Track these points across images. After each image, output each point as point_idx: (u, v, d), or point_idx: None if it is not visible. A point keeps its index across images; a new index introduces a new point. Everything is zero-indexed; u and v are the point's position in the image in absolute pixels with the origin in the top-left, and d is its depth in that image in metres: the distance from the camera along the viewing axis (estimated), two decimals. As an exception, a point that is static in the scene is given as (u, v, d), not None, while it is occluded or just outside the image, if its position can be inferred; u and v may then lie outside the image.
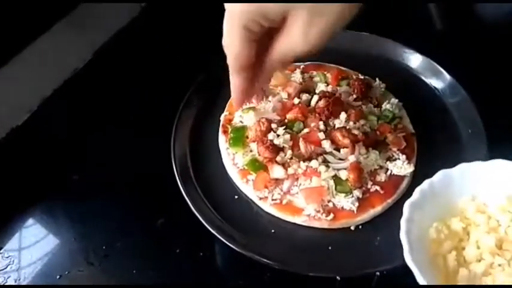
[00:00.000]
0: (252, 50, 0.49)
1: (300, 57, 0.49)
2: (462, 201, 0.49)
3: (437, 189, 0.48)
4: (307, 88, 0.74)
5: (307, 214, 0.61)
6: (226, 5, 0.48)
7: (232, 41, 0.49)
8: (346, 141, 0.64)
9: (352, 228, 0.61)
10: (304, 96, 0.72)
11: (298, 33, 0.46)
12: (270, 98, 0.72)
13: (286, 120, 0.69)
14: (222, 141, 0.69)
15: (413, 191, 0.50)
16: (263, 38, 0.49)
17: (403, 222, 0.46)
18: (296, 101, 0.71)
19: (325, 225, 0.61)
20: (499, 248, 0.45)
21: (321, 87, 0.73)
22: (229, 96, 0.74)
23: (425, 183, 0.48)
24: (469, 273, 0.44)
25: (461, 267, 0.44)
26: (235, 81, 0.54)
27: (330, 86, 0.74)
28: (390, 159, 0.66)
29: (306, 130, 0.67)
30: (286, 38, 0.47)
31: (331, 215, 0.60)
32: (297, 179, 0.63)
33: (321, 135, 0.66)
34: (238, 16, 0.47)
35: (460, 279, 0.43)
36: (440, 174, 0.48)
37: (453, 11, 0.91)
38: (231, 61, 0.52)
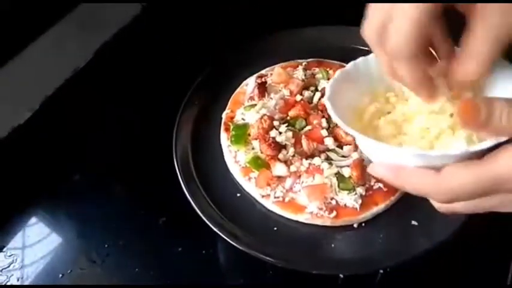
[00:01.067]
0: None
1: None
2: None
3: (368, 68, 0.49)
4: (310, 85, 0.73)
5: (310, 212, 0.60)
6: None
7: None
8: (349, 138, 0.64)
9: (355, 225, 0.61)
10: (307, 93, 0.71)
11: None
12: (272, 95, 0.72)
13: (288, 118, 0.69)
14: (224, 138, 0.69)
15: None
16: None
17: (328, 84, 0.47)
18: (298, 98, 0.71)
19: (328, 223, 0.60)
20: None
21: (323, 84, 0.73)
22: (231, 93, 0.75)
23: (360, 59, 0.49)
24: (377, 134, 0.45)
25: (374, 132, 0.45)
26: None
27: (332, 83, 0.73)
28: (393, 156, 0.66)
29: (308, 127, 0.67)
30: None
31: (334, 213, 0.60)
32: (300, 176, 0.63)
33: (324, 132, 0.65)
34: None
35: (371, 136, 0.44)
36: (373, 57, 0.48)
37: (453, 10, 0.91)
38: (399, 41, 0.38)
